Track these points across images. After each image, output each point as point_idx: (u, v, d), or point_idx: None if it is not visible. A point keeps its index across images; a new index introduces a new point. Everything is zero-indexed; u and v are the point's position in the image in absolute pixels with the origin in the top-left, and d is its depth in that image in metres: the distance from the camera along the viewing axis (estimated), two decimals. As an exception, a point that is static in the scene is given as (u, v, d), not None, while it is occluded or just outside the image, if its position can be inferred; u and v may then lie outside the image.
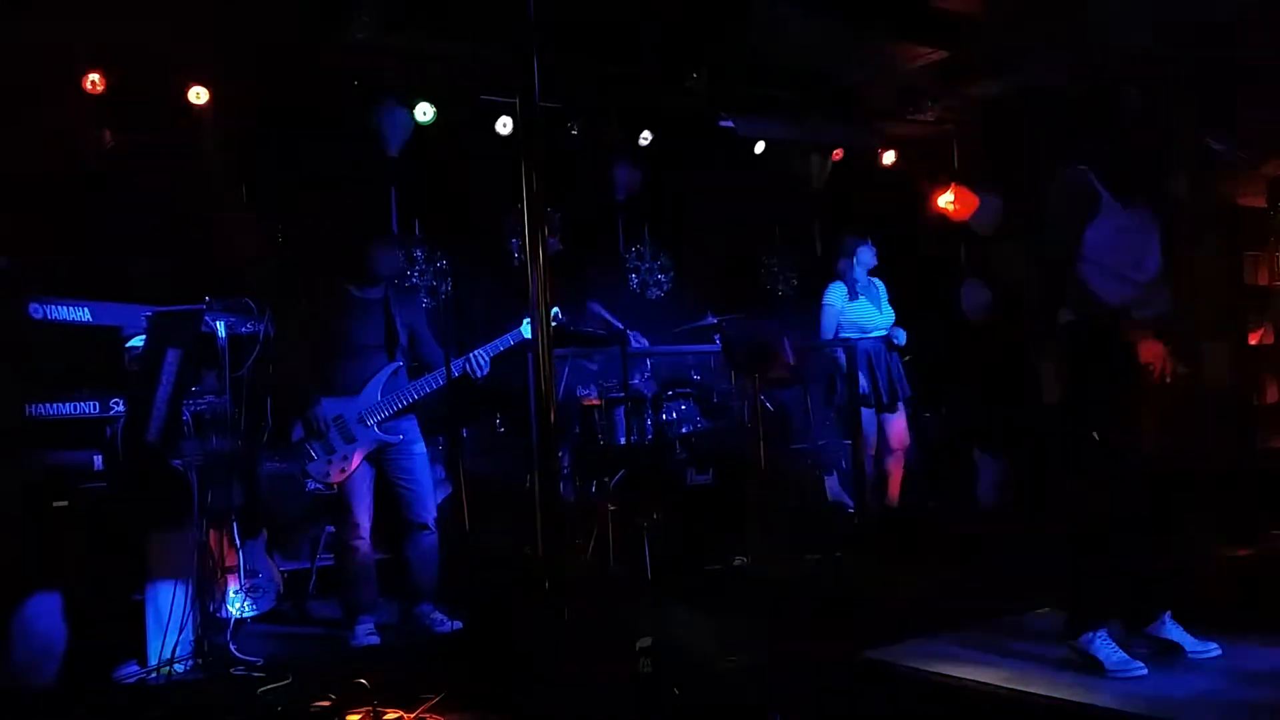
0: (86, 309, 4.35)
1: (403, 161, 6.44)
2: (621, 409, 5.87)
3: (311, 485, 5.05)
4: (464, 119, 6.64)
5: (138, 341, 4.31)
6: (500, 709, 3.59)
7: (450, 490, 5.77)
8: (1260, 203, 7.77)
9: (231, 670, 4.21)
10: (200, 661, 4.23)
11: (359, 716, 3.53)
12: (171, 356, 4.06)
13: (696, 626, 4.11)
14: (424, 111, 6.33)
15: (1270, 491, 5.86)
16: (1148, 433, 3.43)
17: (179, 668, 4.17)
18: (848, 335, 6.58)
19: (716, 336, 6.13)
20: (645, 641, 3.63)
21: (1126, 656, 3.35)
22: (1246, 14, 6.12)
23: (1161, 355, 3.34)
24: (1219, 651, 3.47)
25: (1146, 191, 3.49)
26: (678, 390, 6.27)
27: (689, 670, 3.67)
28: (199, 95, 5.91)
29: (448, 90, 6.43)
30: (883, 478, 6.69)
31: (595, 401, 6.06)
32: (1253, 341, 7.56)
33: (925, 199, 8.16)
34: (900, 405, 6.60)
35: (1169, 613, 3.54)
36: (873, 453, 6.60)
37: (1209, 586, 4.06)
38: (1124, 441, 3.39)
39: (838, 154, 7.91)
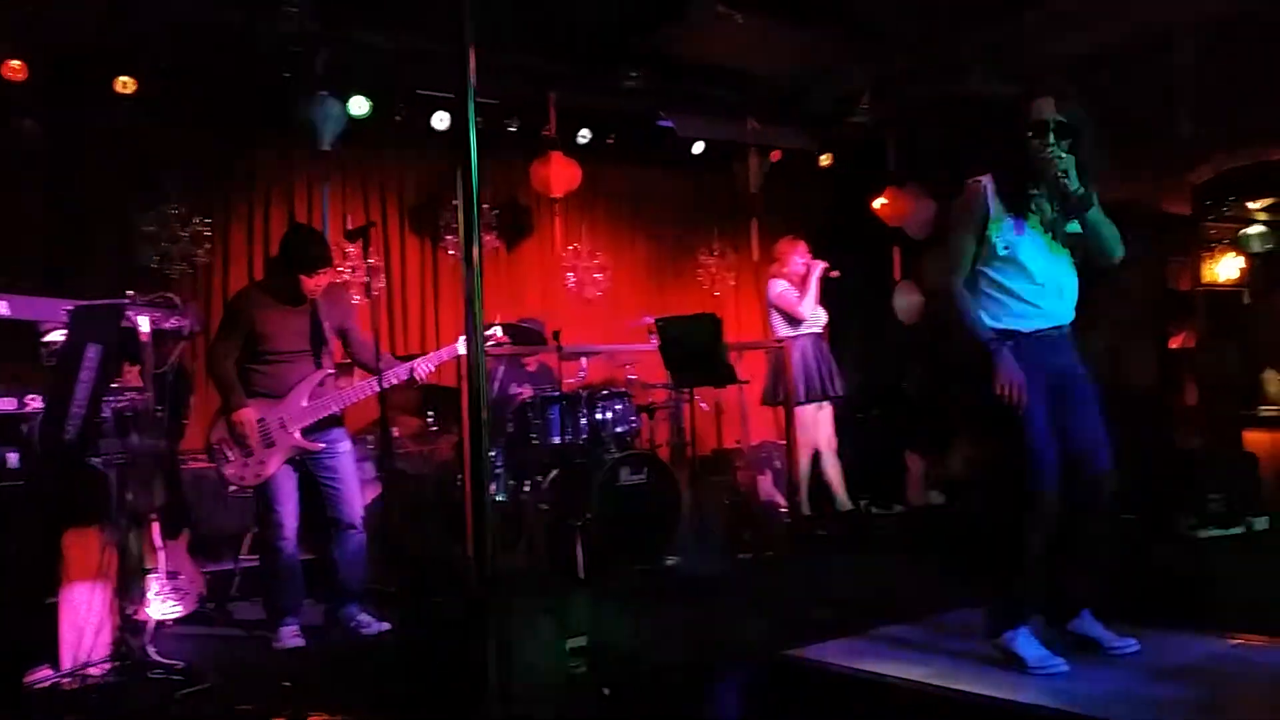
0: (4, 302, 4.21)
1: (336, 155, 6.33)
2: (556, 407, 5.85)
3: (230, 488, 4.94)
4: (400, 113, 6.56)
5: (56, 336, 4.19)
6: (428, 712, 3.55)
7: (379, 490, 5.70)
8: (1184, 210, 7.96)
9: (150, 674, 4.10)
10: (117, 665, 4.12)
11: (282, 721, 3.47)
12: (92, 352, 3.95)
13: (628, 626, 4.10)
14: (359, 105, 6.23)
15: (1190, 491, 6.01)
16: (1063, 433, 3.47)
17: (94, 672, 4.06)
18: (781, 332, 6.66)
19: (652, 336, 6.12)
20: (577, 641, 3.62)
21: (1048, 653, 3.41)
22: (1179, 27, 6.27)
23: (1012, 384, 3.37)
24: (1137, 647, 3.54)
25: (1054, 202, 3.51)
26: (613, 389, 6.26)
27: (620, 670, 3.67)
28: (125, 85, 5.76)
29: (383, 83, 6.34)
30: (824, 485, 6.73)
31: (527, 395, 6.03)
32: (1174, 345, 7.76)
33: (860, 202, 8.25)
34: (828, 403, 6.65)
35: (1089, 610, 3.61)
36: (810, 450, 6.64)
37: (1128, 584, 4.15)
38: (1032, 442, 3.43)
39: (775, 155, 7.95)
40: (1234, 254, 10.18)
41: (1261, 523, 5.08)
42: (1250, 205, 9.58)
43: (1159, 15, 6.10)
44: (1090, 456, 3.51)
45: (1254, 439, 7.93)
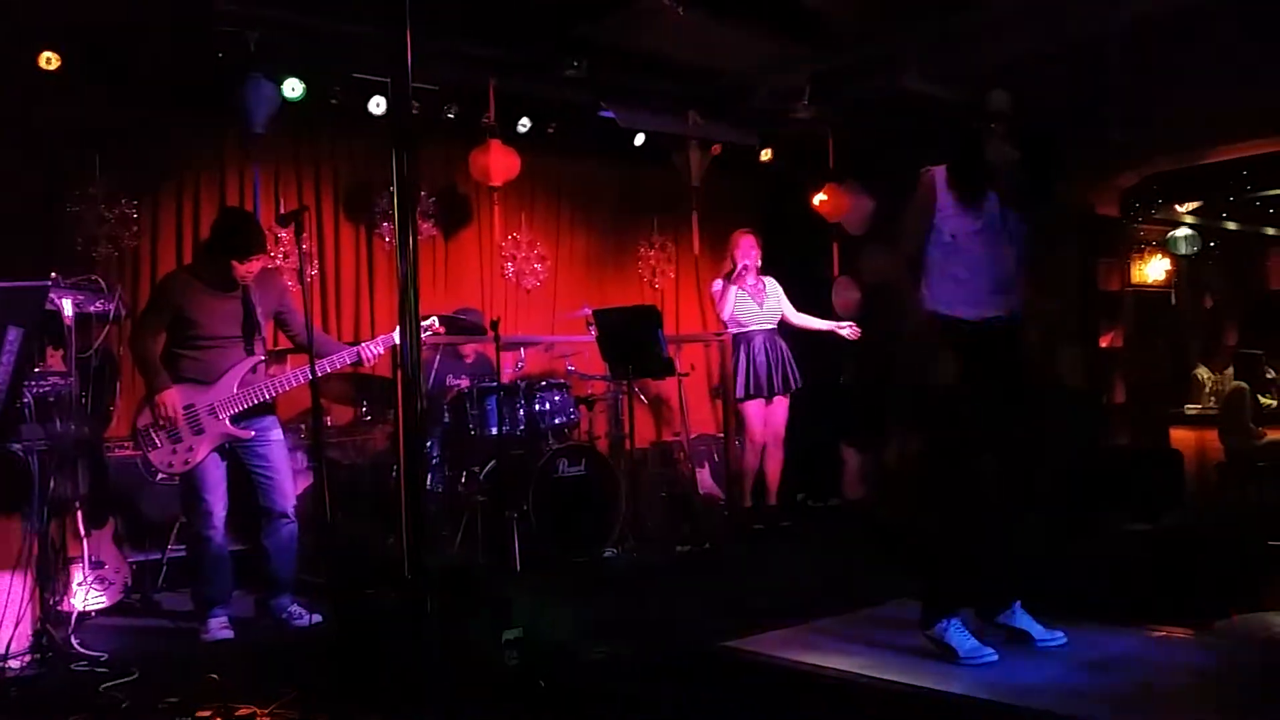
0: (-80, 284, 4.06)
1: (269, 138, 6.19)
2: (494, 398, 5.80)
3: (158, 475, 4.83)
4: (336, 96, 6.44)
5: (-27, 318, 4.06)
6: (360, 705, 3.49)
7: (311, 480, 5.61)
8: (1114, 212, 8.14)
9: (72, 666, 4.02)
10: (38, 657, 4.01)
11: (209, 713, 3.39)
12: (13, 335, 3.83)
13: (564, 618, 4.08)
14: (293, 87, 6.10)
15: (1117, 487, 6.15)
16: (1000, 429, 3.53)
17: (14, 664, 3.94)
18: (731, 328, 6.61)
19: (591, 327, 6.10)
20: (512, 633, 3.59)
21: (979, 644, 3.47)
22: (1111, 33, 6.39)
23: (943, 366, 3.44)
24: (1065, 640, 3.61)
25: (1004, 197, 3.56)
26: (551, 380, 6.23)
27: (556, 662, 3.65)
28: (50, 61, 5.57)
29: (318, 66, 6.20)
30: (762, 475, 6.70)
31: (464, 385, 5.98)
32: (1104, 344, 7.93)
33: (800, 198, 8.29)
34: (782, 396, 6.60)
35: (1019, 602, 3.67)
36: (757, 445, 6.59)
37: (1058, 577, 4.22)
38: (971, 437, 3.48)
39: (716, 149, 7.96)
40: (1161, 256, 10.46)
41: (1186, 518, 5.21)
42: (1178, 208, 9.85)
43: (1091, 19, 6.20)
44: (1018, 451, 3.57)
45: (1180, 436, 8.15)
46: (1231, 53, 6.22)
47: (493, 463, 5.74)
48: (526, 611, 3.67)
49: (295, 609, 4.64)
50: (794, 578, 5.33)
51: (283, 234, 6.58)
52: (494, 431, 5.78)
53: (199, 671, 3.65)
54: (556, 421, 6.00)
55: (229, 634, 4.47)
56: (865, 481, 7.38)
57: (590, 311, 6.16)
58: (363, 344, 4.75)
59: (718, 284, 6.67)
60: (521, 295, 7.79)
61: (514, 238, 7.77)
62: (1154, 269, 10.46)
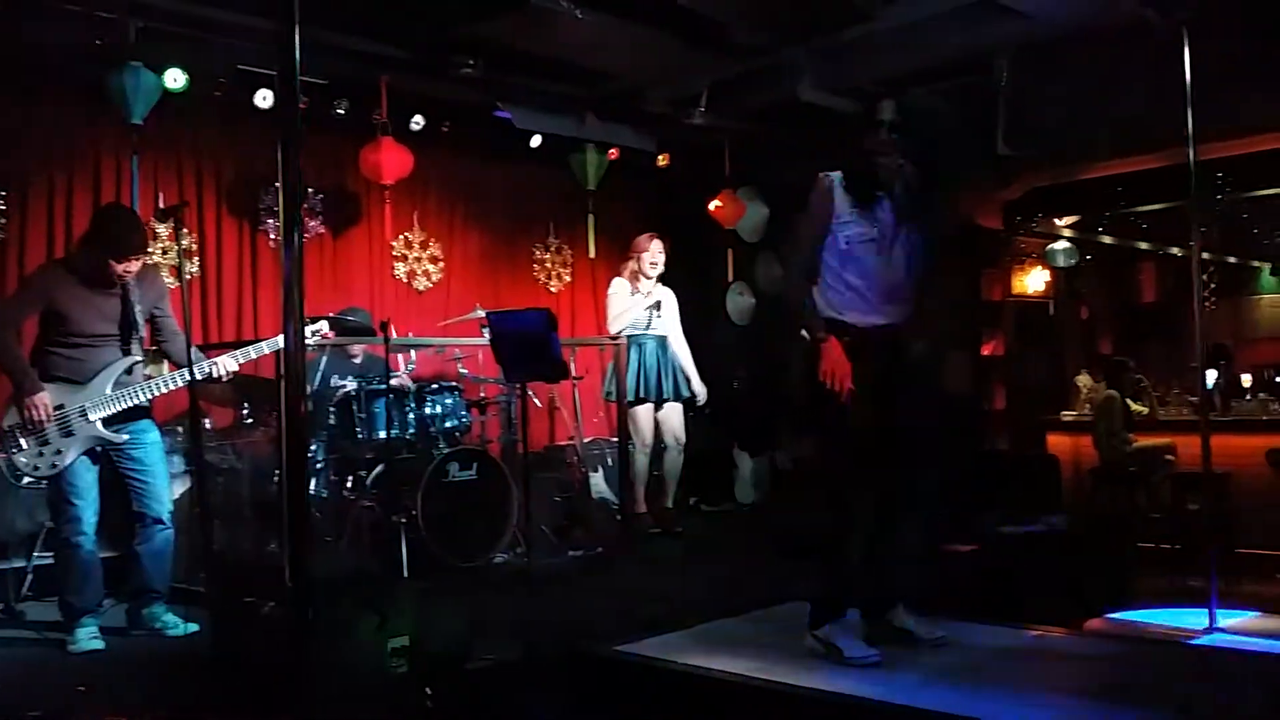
0: None
1: (149, 130, 5.96)
2: (383, 401, 5.69)
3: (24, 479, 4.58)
4: (220, 88, 6.23)
5: None
6: (238, 718, 3.38)
7: (189, 484, 5.41)
8: (996, 224, 8.42)
9: (-76, 682, 3.79)
10: (-114, 673, 3.79)
11: (76, 728, 3.24)
12: None
13: (453, 625, 4.01)
14: (175, 78, 5.88)
15: (996, 491, 6.34)
16: (886, 432, 3.59)
17: None
18: (626, 332, 6.59)
19: (484, 330, 6.02)
20: (399, 641, 3.52)
21: (864, 645, 3.53)
22: (996, 50, 6.59)
23: (835, 373, 3.51)
24: (946, 639, 3.70)
25: (897, 206, 3.63)
26: (443, 383, 6.13)
27: (444, 670, 3.58)
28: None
29: (202, 56, 5.99)
30: (658, 479, 6.71)
31: (351, 387, 5.84)
32: (985, 353, 8.18)
33: (696, 203, 8.35)
34: (677, 402, 6.63)
35: (902, 603, 3.75)
36: (646, 449, 6.59)
37: (939, 579, 4.33)
38: (856, 439, 3.55)
39: (613, 153, 7.96)
40: (1041, 267, 10.85)
41: (1061, 521, 5.40)
42: (1057, 222, 10.22)
43: (977, 37, 6.38)
44: (911, 457, 3.64)
45: (1056, 442, 8.45)
46: (1110, 73, 6.47)
47: (381, 467, 5.63)
48: (414, 618, 3.61)
49: (170, 618, 4.47)
50: (685, 582, 5.35)
51: (162, 229, 6.34)
52: (383, 435, 5.67)
53: (66, 684, 3.49)
54: (448, 425, 5.92)
55: (99, 645, 4.28)
56: (757, 486, 7.46)
57: (484, 313, 6.08)
58: (223, 356, 4.49)
59: (615, 285, 6.62)
60: (413, 296, 7.67)
61: (405, 238, 7.65)
62: (1034, 280, 10.84)
